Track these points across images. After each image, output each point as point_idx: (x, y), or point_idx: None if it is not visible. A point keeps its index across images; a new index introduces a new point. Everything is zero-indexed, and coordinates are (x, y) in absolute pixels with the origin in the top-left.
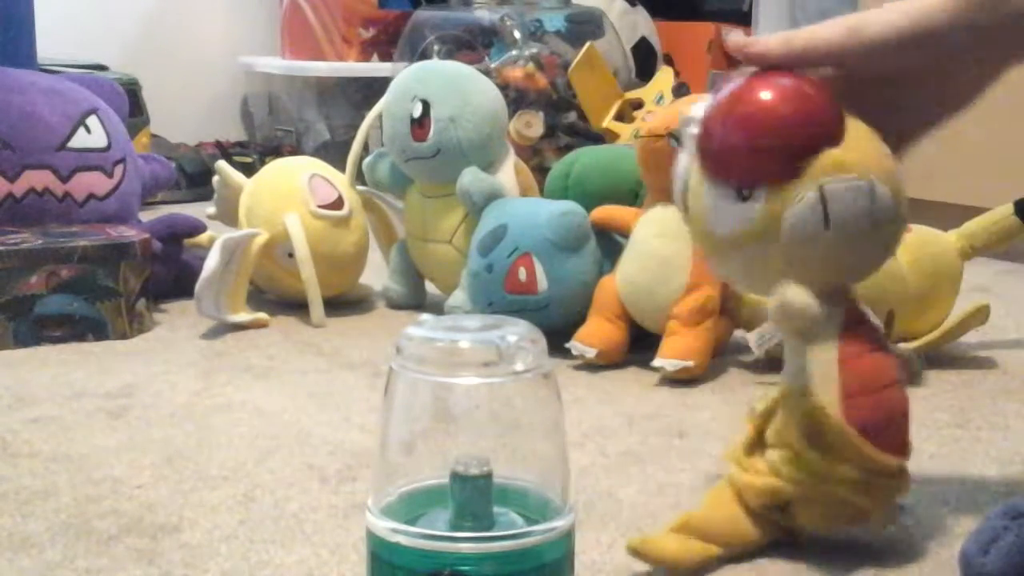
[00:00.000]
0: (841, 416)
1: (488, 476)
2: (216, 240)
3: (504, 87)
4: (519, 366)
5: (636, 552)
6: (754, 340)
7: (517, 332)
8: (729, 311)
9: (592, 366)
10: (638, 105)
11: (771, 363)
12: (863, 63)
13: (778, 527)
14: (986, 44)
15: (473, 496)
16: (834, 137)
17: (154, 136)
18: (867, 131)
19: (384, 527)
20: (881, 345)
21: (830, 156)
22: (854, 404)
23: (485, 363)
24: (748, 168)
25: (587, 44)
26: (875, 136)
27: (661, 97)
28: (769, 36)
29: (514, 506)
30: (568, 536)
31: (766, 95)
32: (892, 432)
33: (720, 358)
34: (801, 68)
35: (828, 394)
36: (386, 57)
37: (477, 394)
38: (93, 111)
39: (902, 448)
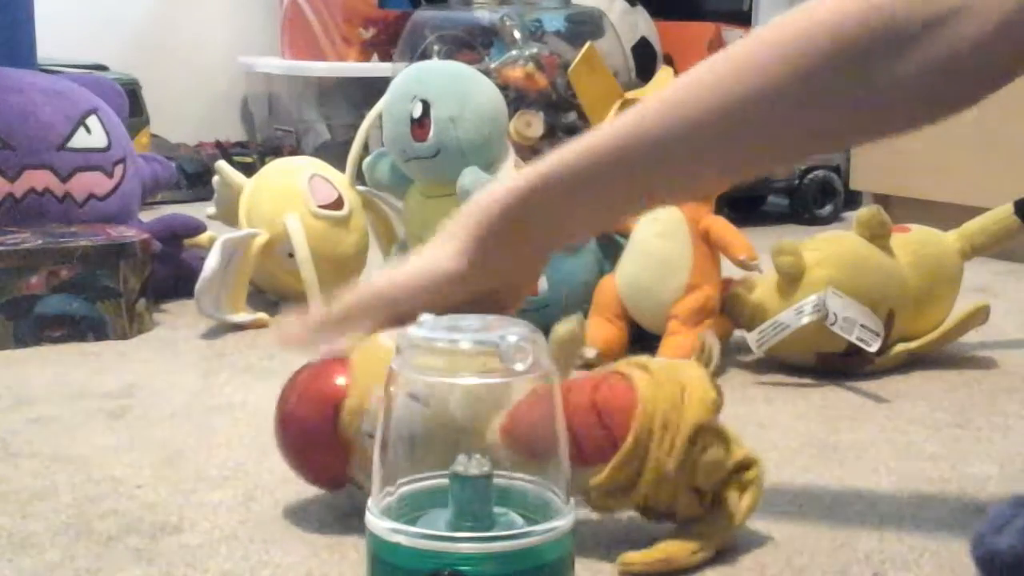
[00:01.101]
0: (606, 476)
1: (488, 476)
2: (216, 240)
3: (504, 87)
4: (519, 366)
5: (630, 563)
6: (754, 340)
7: (517, 332)
8: (729, 311)
9: (592, 366)
10: None
11: (771, 363)
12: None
13: None
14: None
15: (473, 496)
16: (341, 396)
17: (154, 136)
18: (377, 356)
19: (384, 527)
20: (531, 403)
21: (346, 410)
22: (589, 457)
23: (494, 363)
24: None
25: (587, 44)
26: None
27: None
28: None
29: (514, 506)
30: (568, 536)
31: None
32: (614, 421)
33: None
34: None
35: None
36: (386, 57)
37: (482, 393)
38: (93, 111)
39: (627, 416)
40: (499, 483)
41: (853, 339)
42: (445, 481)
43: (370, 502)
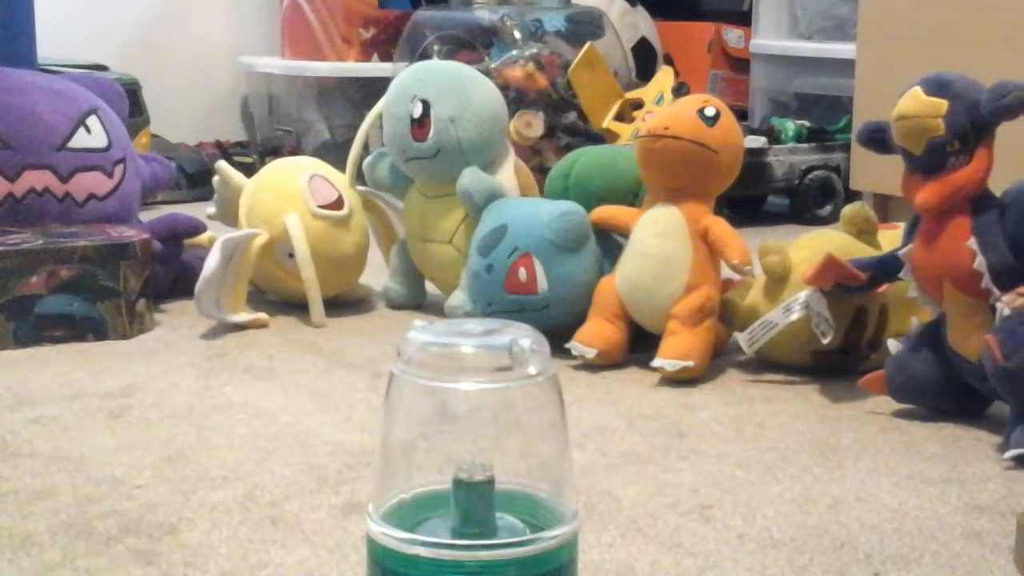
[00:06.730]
0: None
1: (490, 482)
2: (216, 240)
3: (504, 87)
4: (532, 370)
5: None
6: (744, 339)
7: (528, 336)
8: (723, 317)
9: (592, 366)
10: (638, 105)
11: (771, 363)
12: None
13: None
14: None
15: (476, 502)
16: None
17: (154, 136)
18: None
19: (385, 534)
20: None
21: None
22: None
23: (499, 368)
24: None
25: (587, 44)
26: None
27: (661, 97)
28: None
29: (518, 512)
30: (572, 542)
31: None
32: None
33: (718, 359)
34: None
35: None
36: (386, 57)
37: (486, 399)
38: (93, 111)
39: None
40: (502, 488)
41: (817, 332)
42: (439, 487)
43: (371, 508)
